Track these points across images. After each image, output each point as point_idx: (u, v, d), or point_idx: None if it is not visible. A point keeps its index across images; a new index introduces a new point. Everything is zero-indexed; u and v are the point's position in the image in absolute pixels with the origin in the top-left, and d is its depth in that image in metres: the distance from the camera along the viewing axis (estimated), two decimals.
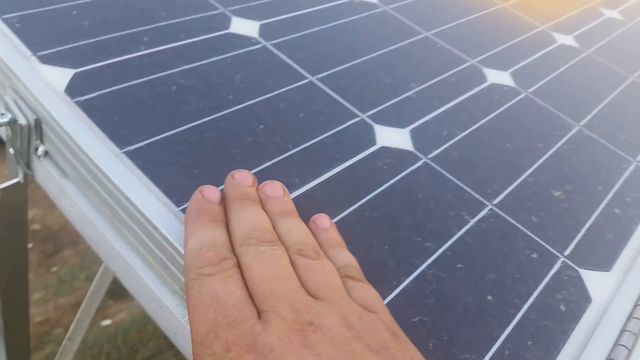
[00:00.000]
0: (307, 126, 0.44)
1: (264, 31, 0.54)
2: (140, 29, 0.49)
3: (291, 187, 0.38)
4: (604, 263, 0.41)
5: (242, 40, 0.52)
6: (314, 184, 0.39)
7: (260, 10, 0.58)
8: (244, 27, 0.54)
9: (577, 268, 0.40)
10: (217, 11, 0.55)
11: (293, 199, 0.38)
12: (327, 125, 0.45)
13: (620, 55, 0.71)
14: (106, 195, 0.36)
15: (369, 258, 0.35)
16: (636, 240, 0.44)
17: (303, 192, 0.38)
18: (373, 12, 0.64)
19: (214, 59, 0.48)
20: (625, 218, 0.46)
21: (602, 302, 0.38)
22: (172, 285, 0.34)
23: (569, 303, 0.37)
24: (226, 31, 0.53)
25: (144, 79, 0.44)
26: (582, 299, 0.38)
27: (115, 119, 0.39)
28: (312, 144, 0.43)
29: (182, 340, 0.33)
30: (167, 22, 0.51)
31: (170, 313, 0.33)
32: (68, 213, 0.41)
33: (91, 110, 0.39)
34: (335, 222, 0.37)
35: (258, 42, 0.52)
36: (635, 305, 0.38)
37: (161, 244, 0.33)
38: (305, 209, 0.36)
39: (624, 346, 0.35)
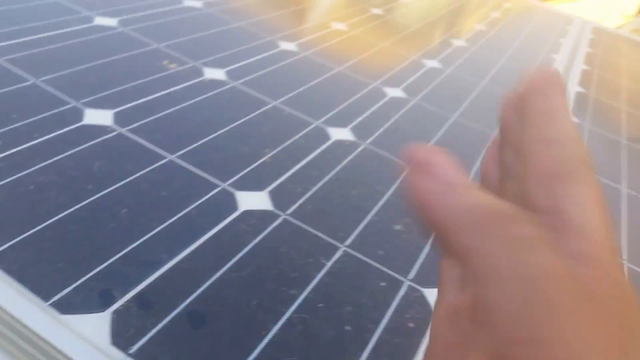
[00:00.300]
0: (170, 203, 0.48)
1: (119, 118, 0.58)
2: None
3: (159, 264, 0.42)
4: None
5: (97, 130, 0.55)
6: (182, 256, 0.43)
7: (113, 99, 0.61)
8: (98, 117, 0.57)
9: (420, 288, 0.47)
10: (69, 105, 0.58)
11: (161, 274, 0.41)
12: (190, 199, 0.49)
13: (441, 100, 0.84)
14: None
15: (239, 315, 0.39)
16: None
17: (172, 266, 0.42)
18: (224, 89, 0.70)
19: (70, 152, 0.51)
20: None
21: None
22: None
23: (416, 320, 0.44)
24: (80, 124, 0.55)
25: (0, 183, 0.45)
26: (427, 314, 0.45)
27: None
28: (177, 218, 0.46)
29: None
30: (20, 123, 0.53)
31: None
32: None
33: None
34: (205, 288, 0.41)
35: (113, 130, 0.56)
36: None
37: (32, 340, 0.34)
38: (176, 281, 0.40)
39: None
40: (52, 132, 0.53)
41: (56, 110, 0.56)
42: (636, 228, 0.66)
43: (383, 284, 0.46)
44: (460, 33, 1.20)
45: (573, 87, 1.05)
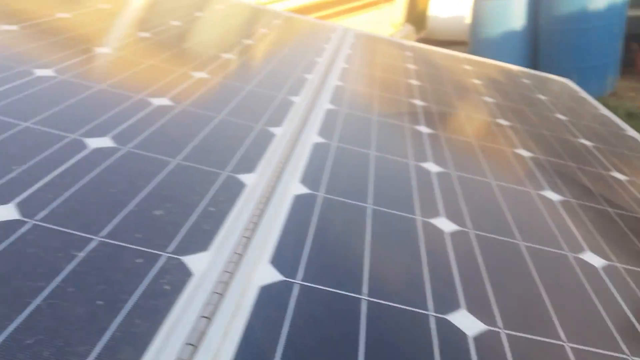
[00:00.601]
0: None
1: None
2: None
3: None
4: (202, 246, 0.54)
5: None
6: None
7: None
8: None
9: (179, 257, 0.51)
10: None
11: None
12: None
13: (209, 102, 0.90)
14: None
15: None
16: (226, 226, 0.58)
17: None
18: None
19: None
20: (217, 212, 0.60)
21: (202, 273, 0.50)
22: None
23: (173, 282, 0.48)
24: None
25: None
26: (184, 276, 0.49)
27: None
28: None
29: None
30: None
31: None
32: None
33: None
34: None
35: None
36: (223, 272, 0.51)
37: None
38: None
39: (218, 293, 0.47)
40: None
41: None
42: (382, 180, 0.78)
43: (139, 260, 0.49)
44: (229, 48, 1.29)
45: (333, 82, 1.20)
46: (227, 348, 0.42)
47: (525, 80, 1.77)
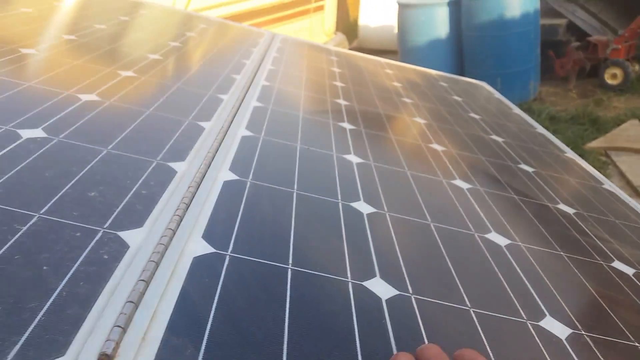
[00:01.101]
0: None
1: None
2: None
3: None
4: (137, 223, 0.60)
5: None
6: None
7: None
8: None
9: (116, 232, 0.57)
10: None
11: None
12: None
13: (136, 98, 0.95)
14: None
15: None
16: (158, 206, 0.65)
17: None
18: None
19: None
20: (149, 195, 0.66)
21: (137, 245, 0.56)
22: None
23: (111, 253, 0.54)
24: None
25: None
26: (122, 247, 0.55)
27: None
28: None
29: None
30: None
31: None
32: None
33: None
34: None
35: None
36: (157, 244, 0.58)
37: None
38: None
39: (153, 261, 0.54)
40: None
41: None
42: (307, 169, 0.87)
43: (78, 234, 0.55)
44: (156, 49, 1.34)
45: (260, 82, 1.28)
46: (165, 307, 0.49)
47: (442, 83, 1.93)
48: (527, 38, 4.43)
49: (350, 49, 2.90)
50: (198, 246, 0.59)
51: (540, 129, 1.64)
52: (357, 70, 1.76)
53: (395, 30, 4.96)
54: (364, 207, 0.80)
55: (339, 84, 1.50)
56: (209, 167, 0.78)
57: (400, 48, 4.77)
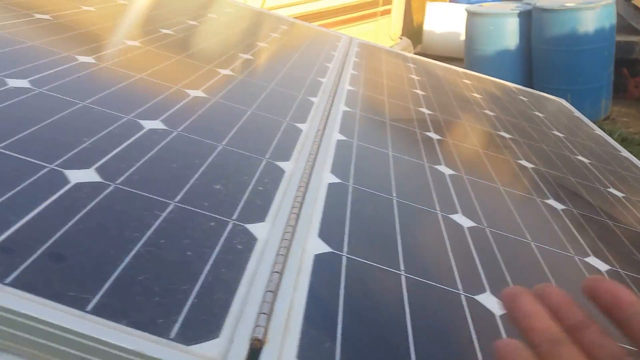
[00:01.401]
0: (4, 180, 0.55)
1: None
2: None
3: (8, 223, 0.49)
4: (260, 217, 0.64)
5: None
6: (28, 218, 0.51)
7: None
8: None
9: (243, 224, 0.62)
10: None
11: (14, 231, 0.48)
12: (22, 177, 0.57)
13: (238, 97, 1.01)
14: None
15: (93, 253, 0.49)
16: (275, 203, 0.69)
17: (22, 224, 0.49)
18: (30, 95, 0.76)
19: None
20: (266, 191, 0.71)
21: (263, 239, 0.60)
22: None
23: (243, 243, 0.58)
24: None
25: None
26: (251, 239, 0.59)
27: None
28: (15, 192, 0.54)
29: None
30: None
31: None
32: None
33: None
34: (57, 238, 0.49)
35: None
36: (282, 239, 0.62)
37: None
38: (29, 234, 0.48)
39: (282, 255, 0.58)
40: None
41: None
42: (402, 177, 0.90)
43: (212, 223, 0.60)
44: (247, 49, 1.40)
45: (345, 87, 1.32)
46: (299, 298, 0.53)
47: (522, 97, 1.92)
48: (601, 55, 4.33)
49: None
50: (316, 244, 0.63)
51: (625, 153, 1.61)
52: (436, 79, 1.78)
53: (461, 38, 4.93)
54: (463, 220, 0.82)
55: (419, 92, 1.53)
56: (312, 168, 0.82)
57: (466, 56, 4.74)
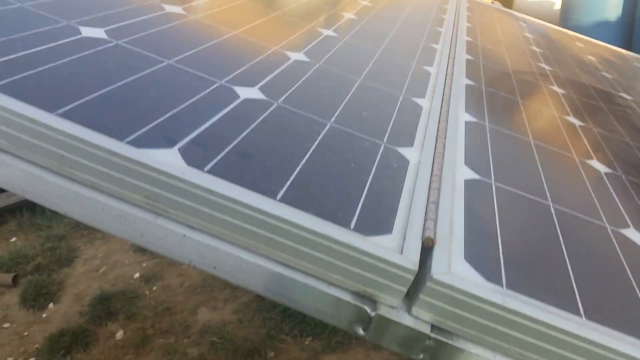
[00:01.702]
0: (187, 90, 0.60)
1: (113, 34, 0.68)
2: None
3: (196, 125, 0.54)
4: (408, 143, 0.67)
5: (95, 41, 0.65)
6: (213, 121, 0.55)
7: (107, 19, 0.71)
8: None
9: (394, 147, 0.64)
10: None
11: (203, 129, 0.53)
12: (198, 89, 0.62)
13: (344, 64, 1.02)
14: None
15: (274, 153, 0.53)
16: (420, 133, 0.71)
17: (208, 126, 0.54)
18: (185, 21, 0.82)
19: (83, 54, 0.61)
20: (409, 122, 0.73)
21: (415, 162, 0.63)
22: (132, 197, 0.46)
23: (398, 162, 0.61)
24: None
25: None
26: (403, 161, 0.62)
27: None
28: (198, 99, 0.59)
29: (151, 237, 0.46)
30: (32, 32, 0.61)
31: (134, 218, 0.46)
32: None
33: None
34: (240, 140, 0.54)
35: (110, 42, 0.66)
36: (434, 163, 0.64)
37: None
38: (216, 134, 0.52)
39: (437, 175, 0.60)
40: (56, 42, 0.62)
41: (51, 27, 0.65)
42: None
43: (367, 144, 0.63)
44: (349, 8, 1.41)
45: (463, 56, 1.31)
46: (458, 212, 0.55)
47: (637, 64, 1.83)
48: None
49: None
50: (465, 171, 0.65)
51: None
52: (549, 40, 1.72)
53: (556, 7, 4.70)
54: (600, 166, 0.81)
55: (545, 66, 1.48)
56: (449, 106, 0.83)
57: (561, 26, 4.52)
